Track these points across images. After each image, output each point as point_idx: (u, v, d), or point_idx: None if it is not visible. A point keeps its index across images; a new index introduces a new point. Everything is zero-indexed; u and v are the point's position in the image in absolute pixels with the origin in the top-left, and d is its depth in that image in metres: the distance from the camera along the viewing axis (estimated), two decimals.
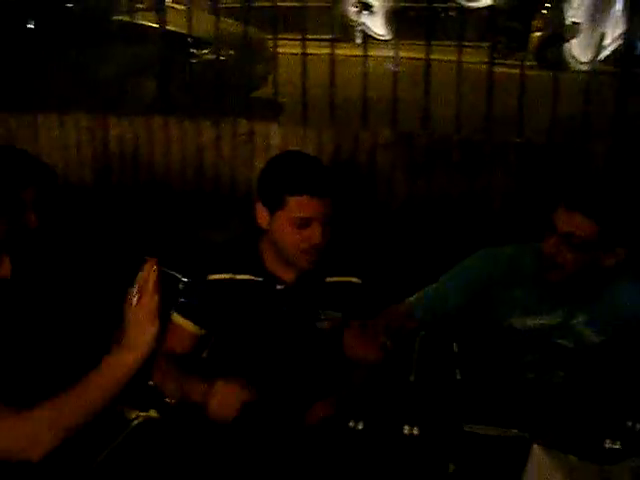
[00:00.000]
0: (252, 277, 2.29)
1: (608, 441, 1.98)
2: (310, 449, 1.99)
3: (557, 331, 2.37)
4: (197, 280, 2.30)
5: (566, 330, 2.37)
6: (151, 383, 2.28)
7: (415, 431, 2.02)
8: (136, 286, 1.72)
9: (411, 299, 2.50)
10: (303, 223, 2.15)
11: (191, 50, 5.71)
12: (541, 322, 2.37)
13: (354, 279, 2.37)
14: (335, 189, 2.20)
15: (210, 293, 2.29)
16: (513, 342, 2.40)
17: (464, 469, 1.88)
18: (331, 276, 2.34)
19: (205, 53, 6.04)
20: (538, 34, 11.62)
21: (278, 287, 2.28)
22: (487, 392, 2.40)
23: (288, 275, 2.28)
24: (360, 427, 2.05)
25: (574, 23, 5.73)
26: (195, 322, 2.31)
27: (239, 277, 2.30)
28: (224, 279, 2.29)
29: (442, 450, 1.94)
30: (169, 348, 2.29)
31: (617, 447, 1.98)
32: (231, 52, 5.52)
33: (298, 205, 2.14)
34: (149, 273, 1.71)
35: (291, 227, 2.16)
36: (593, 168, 4.17)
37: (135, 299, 1.71)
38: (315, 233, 2.16)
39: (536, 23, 12.16)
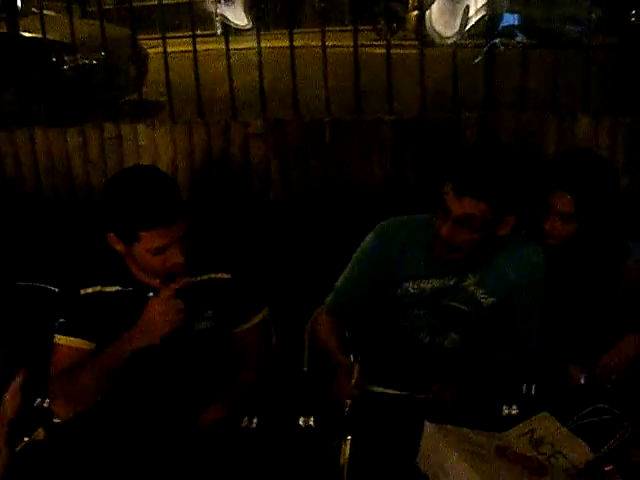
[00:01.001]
0: (121, 288, 2.26)
1: (505, 407, 1.99)
2: (206, 453, 1.93)
3: (450, 294, 2.40)
4: (70, 296, 2.27)
5: (458, 292, 2.40)
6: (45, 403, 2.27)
7: (311, 422, 1.98)
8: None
9: (327, 299, 2.53)
10: (160, 250, 2.13)
11: (61, 56, 5.54)
12: (433, 285, 2.40)
13: (224, 275, 2.33)
14: (184, 208, 2.17)
15: (85, 307, 2.25)
16: (406, 306, 2.42)
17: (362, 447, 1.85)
18: (200, 275, 2.29)
19: (76, 58, 5.88)
20: (415, 13, 11.82)
21: (149, 295, 2.23)
22: (382, 357, 2.44)
23: (157, 281, 2.22)
24: (254, 424, 2.00)
25: None
26: (81, 337, 2.26)
27: (108, 289, 2.26)
28: (94, 292, 2.26)
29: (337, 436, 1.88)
30: (61, 370, 2.24)
31: (514, 412, 1.99)
32: (102, 55, 5.33)
33: (152, 238, 2.10)
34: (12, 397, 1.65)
35: (150, 255, 2.14)
36: (465, 139, 4.24)
37: None
38: (175, 254, 2.14)
39: (412, 2, 12.39)
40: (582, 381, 2.31)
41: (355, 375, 2.07)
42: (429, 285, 2.40)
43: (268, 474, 1.83)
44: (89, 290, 2.25)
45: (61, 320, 2.26)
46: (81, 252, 2.40)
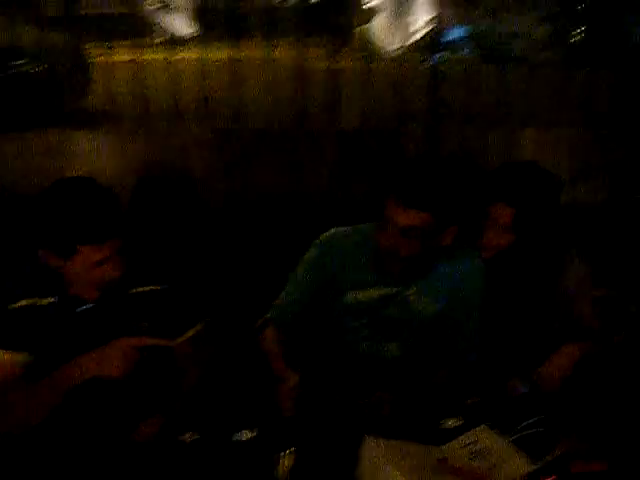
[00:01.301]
0: (55, 300, 2.18)
1: (446, 419, 1.99)
2: (144, 468, 1.91)
3: (391, 304, 2.39)
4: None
5: (399, 302, 2.39)
6: None
7: (253, 435, 1.95)
8: None
9: (267, 315, 2.52)
10: (99, 264, 2.08)
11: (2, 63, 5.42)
12: (374, 295, 2.39)
13: (159, 287, 2.30)
14: (121, 222, 2.11)
15: (17, 321, 2.14)
16: (348, 316, 2.42)
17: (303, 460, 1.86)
18: (135, 287, 2.25)
19: (18, 65, 5.79)
20: (360, 27, 11.91)
21: (84, 307, 2.19)
22: (325, 368, 2.43)
23: (92, 294, 2.18)
24: (194, 437, 1.96)
25: (368, 9, 5.85)
26: (17, 350, 2.14)
27: (43, 302, 2.17)
28: (27, 305, 2.15)
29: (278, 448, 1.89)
30: None
31: (455, 425, 1.99)
32: (46, 64, 5.24)
33: (90, 252, 2.06)
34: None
35: (87, 268, 2.08)
36: (408, 150, 4.27)
37: None
38: (112, 267, 2.10)
39: (360, 17, 12.46)
40: (522, 391, 2.31)
41: (295, 385, 2.08)
42: (370, 295, 2.39)
43: None
44: (23, 303, 2.14)
45: None
46: (15, 264, 2.31)
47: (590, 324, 2.48)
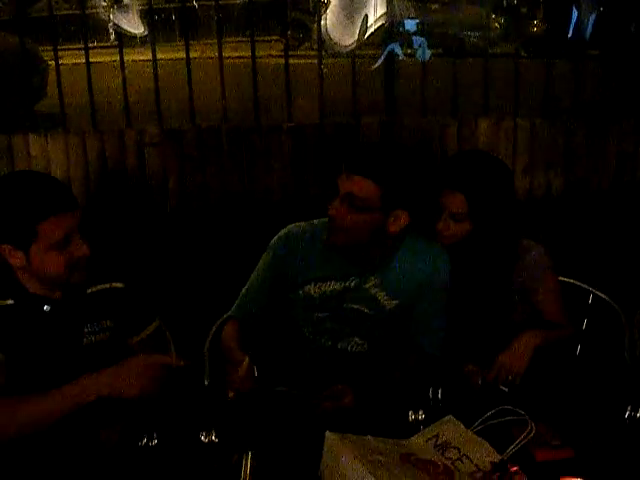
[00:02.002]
0: (14, 302, 2.11)
1: (411, 412, 1.96)
2: (104, 473, 1.86)
3: (351, 296, 2.37)
4: None
5: (359, 295, 2.37)
6: None
7: (213, 437, 1.91)
8: None
9: (230, 313, 2.49)
10: (62, 243, 2.02)
11: None
12: (334, 287, 2.37)
13: (117, 284, 2.26)
14: (72, 197, 2.08)
15: None
16: (308, 309, 2.40)
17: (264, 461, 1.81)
18: (93, 286, 2.21)
19: None
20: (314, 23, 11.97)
21: (45, 308, 2.13)
22: (285, 362, 2.41)
23: (52, 294, 2.13)
24: (154, 441, 1.90)
25: (320, 2, 5.83)
26: None
27: (2, 303, 2.10)
28: (3, 306, 2.09)
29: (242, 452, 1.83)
30: None
31: (421, 418, 1.96)
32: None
33: (52, 229, 2.00)
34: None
35: (52, 253, 2.03)
36: (366, 141, 4.27)
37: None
38: (78, 245, 2.04)
39: (319, 13, 12.48)
40: (479, 382, 2.29)
41: (244, 366, 2.05)
42: (330, 287, 2.37)
43: None
44: None
45: None
46: None
47: (553, 317, 2.47)
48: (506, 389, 2.26)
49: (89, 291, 2.19)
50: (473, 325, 2.44)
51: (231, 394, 2.04)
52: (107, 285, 2.24)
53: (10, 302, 2.10)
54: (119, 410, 2.11)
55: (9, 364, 2.08)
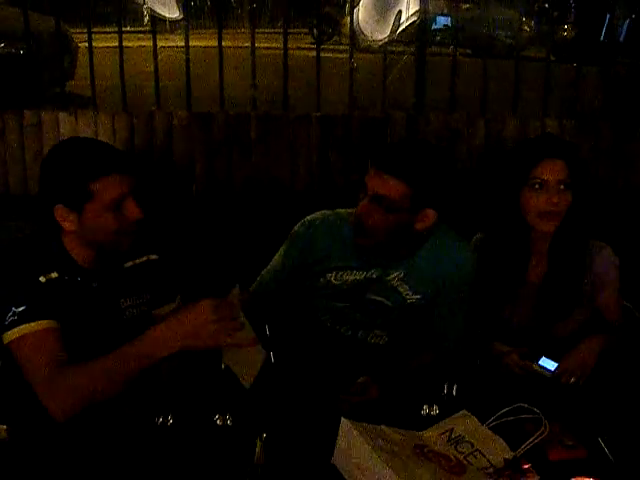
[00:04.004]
0: (68, 277, 2.11)
1: (426, 406, 1.96)
2: (122, 450, 1.85)
3: (373, 287, 2.37)
4: (27, 283, 2.05)
5: (381, 286, 2.37)
6: None
7: (228, 420, 1.92)
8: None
9: (252, 287, 2.49)
10: (117, 204, 2.04)
11: None
12: (356, 277, 2.37)
13: (152, 256, 2.28)
14: (131, 161, 2.10)
15: (44, 293, 2.05)
16: (329, 298, 2.40)
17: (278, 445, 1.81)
18: (128, 260, 2.22)
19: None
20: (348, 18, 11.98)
21: (94, 284, 2.14)
22: (303, 351, 2.39)
23: (95, 266, 2.14)
24: (170, 421, 1.92)
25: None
26: (49, 318, 2.03)
27: (52, 276, 2.09)
28: (54, 278, 2.08)
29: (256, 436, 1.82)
30: (52, 360, 1.99)
31: (435, 413, 1.97)
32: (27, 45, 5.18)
33: (107, 189, 2.02)
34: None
35: (107, 214, 2.04)
36: (393, 137, 4.27)
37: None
38: (132, 209, 2.06)
39: (348, 7, 12.49)
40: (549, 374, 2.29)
41: (233, 292, 1.92)
42: (351, 277, 2.37)
43: (183, 472, 1.77)
44: (50, 276, 2.07)
45: (18, 310, 2.01)
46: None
47: (613, 317, 2.47)
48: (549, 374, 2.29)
49: (127, 265, 2.21)
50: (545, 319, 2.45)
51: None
52: (144, 258, 2.26)
53: (54, 275, 2.10)
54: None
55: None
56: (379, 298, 2.37)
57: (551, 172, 2.32)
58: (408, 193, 2.17)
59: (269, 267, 2.49)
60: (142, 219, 2.08)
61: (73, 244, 2.13)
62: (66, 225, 2.07)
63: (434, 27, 9.02)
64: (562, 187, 2.32)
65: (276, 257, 2.49)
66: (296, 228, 2.45)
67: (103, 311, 2.16)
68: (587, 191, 2.39)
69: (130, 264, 2.23)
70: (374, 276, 2.36)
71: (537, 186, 2.33)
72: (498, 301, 2.46)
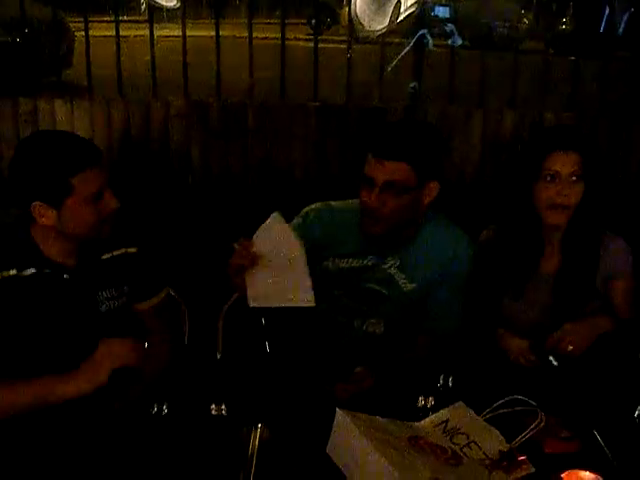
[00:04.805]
0: (36, 270, 2.10)
1: (421, 398, 1.96)
2: (113, 440, 1.86)
3: (368, 275, 2.38)
4: None
5: (377, 274, 2.38)
6: None
7: (223, 409, 1.92)
8: None
9: None
10: (96, 197, 2.04)
11: None
12: (352, 265, 2.38)
13: (131, 249, 2.26)
14: (100, 152, 2.11)
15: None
16: (325, 285, 2.37)
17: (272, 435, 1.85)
18: (105, 253, 2.21)
19: None
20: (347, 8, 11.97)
21: (65, 276, 2.12)
22: (300, 339, 2.41)
23: (70, 261, 2.13)
24: (165, 410, 1.92)
25: None
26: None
27: (25, 273, 2.09)
28: (10, 276, 2.07)
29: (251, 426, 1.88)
30: None
31: (430, 404, 1.97)
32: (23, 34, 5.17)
33: (87, 182, 2.02)
34: None
35: (87, 207, 2.04)
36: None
37: None
38: (110, 199, 2.07)
39: None
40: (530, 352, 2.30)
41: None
42: (347, 265, 2.37)
43: (178, 462, 1.78)
44: (4, 274, 2.06)
45: None
46: None
47: (623, 310, 2.42)
48: (556, 363, 2.26)
49: (104, 257, 2.19)
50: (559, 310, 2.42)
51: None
52: (122, 250, 2.24)
53: (30, 271, 2.09)
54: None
55: (23, 336, 2.08)
56: (375, 286, 2.38)
57: (563, 164, 2.31)
58: (412, 171, 2.19)
59: None
60: (120, 208, 2.08)
61: (44, 237, 2.11)
62: (43, 221, 2.05)
63: (432, 18, 9.00)
64: (574, 179, 2.31)
65: None
66: (294, 220, 2.44)
67: (76, 304, 2.14)
68: (601, 183, 2.37)
69: (107, 256, 2.21)
70: (370, 264, 2.36)
71: (549, 178, 2.32)
72: (510, 294, 2.45)
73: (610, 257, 2.42)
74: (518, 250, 2.42)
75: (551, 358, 2.26)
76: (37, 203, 2.02)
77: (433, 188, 2.27)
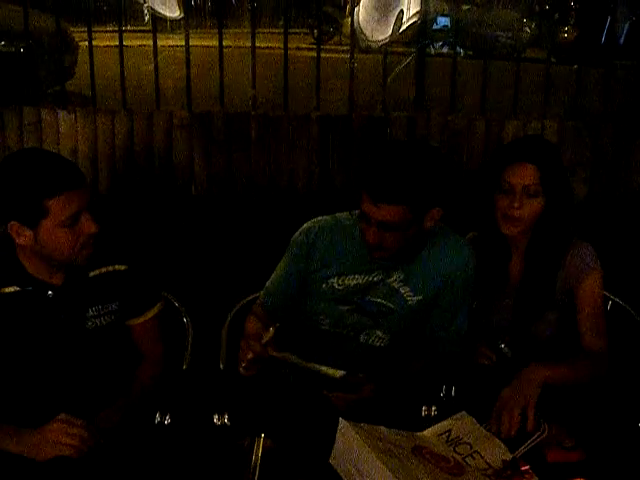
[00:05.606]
0: (19, 288, 2.10)
1: (424, 407, 1.96)
2: (120, 450, 1.84)
3: (375, 290, 2.35)
4: None
5: (383, 289, 2.35)
6: None
7: (226, 419, 1.92)
8: None
9: (260, 293, 2.46)
10: (73, 221, 2.01)
11: None
12: (358, 281, 2.36)
13: (119, 266, 2.23)
14: (82, 174, 2.07)
15: None
16: (331, 302, 2.37)
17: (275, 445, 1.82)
18: (94, 269, 2.19)
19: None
20: (349, 18, 12.01)
21: (49, 293, 2.12)
22: (306, 353, 2.31)
23: (55, 279, 2.12)
24: (167, 420, 1.92)
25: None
26: None
27: (6, 290, 2.09)
28: None
29: (254, 436, 1.84)
30: None
31: (434, 413, 1.96)
32: (26, 44, 5.19)
33: (62, 206, 1.99)
34: None
35: (62, 230, 2.02)
36: (393, 138, 4.27)
37: None
38: (87, 223, 2.03)
39: (349, 8, 12.53)
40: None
41: (270, 333, 2.02)
42: (353, 281, 2.36)
43: (181, 472, 1.76)
44: None
45: None
46: None
47: (588, 335, 2.33)
48: (507, 350, 2.31)
49: (91, 274, 2.17)
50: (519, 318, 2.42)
51: (247, 358, 2.02)
52: (110, 268, 2.20)
53: (13, 289, 2.09)
54: (121, 387, 2.13)
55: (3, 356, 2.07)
56: (381, 301, 2.36)
57: (518, 176, 2.30)
58: (409, 211, 2.14)
59: (274, 279, 2.46)
60: (110, 224, 2.07)
61: (28, 259, 2.10)
62: (21, 240, 2.04)
63: (434, 27, 9.01)
64: (530, 193, 2.30)
65: (279, 266, 2.46)
66: (294, 239, 2.42)
67: (60, 321, 2.12)
68: (565, 195, 2.36)
69: (96, 273, 2.18)
70: (376, 279, 2.35)
71: (505, 190, 2.32)
72: (482, 300, 2.46)
73: (570, 263, 2.39)
74: (488, 257, 2.44)
75: (502, 345, 2.30)
76: (14, 222, 2.01)
77: (435, 213, 2.22)
